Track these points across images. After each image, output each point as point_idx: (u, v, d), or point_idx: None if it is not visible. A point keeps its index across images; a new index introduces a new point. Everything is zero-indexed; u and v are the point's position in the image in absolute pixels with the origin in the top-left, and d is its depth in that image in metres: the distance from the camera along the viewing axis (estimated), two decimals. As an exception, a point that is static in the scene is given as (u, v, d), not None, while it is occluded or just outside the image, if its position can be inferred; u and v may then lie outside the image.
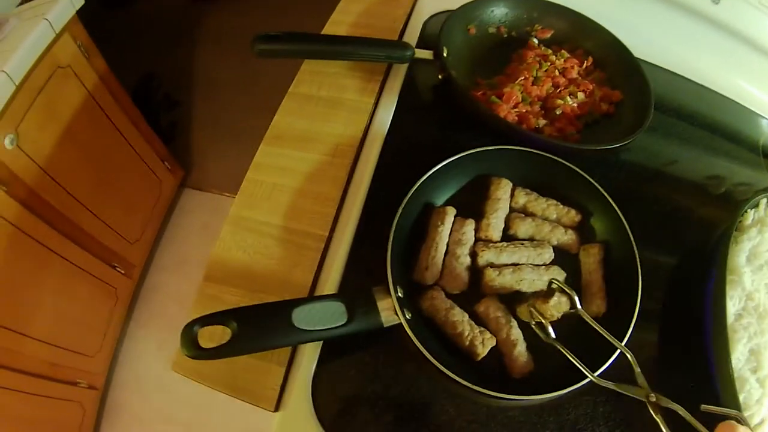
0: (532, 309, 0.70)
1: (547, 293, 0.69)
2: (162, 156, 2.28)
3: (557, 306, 0.68)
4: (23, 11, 1.51)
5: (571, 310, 0.70)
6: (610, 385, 0.64)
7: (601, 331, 0.66)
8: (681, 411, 0.60)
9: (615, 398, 0.70)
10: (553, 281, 0.70)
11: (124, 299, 2.14)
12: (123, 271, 2.06)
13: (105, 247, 1.93)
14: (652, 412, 0.61)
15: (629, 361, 0.64)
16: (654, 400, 0.62)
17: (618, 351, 0.67)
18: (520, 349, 0.71)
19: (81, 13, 1.57)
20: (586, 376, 0.65)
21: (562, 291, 0.68)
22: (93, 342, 1.95)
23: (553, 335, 0.69)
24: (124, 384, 2.18)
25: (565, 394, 0.66)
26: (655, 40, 1.14)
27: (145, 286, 2.38)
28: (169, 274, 2.42)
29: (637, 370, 0.64)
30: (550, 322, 0.69)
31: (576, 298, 0.69)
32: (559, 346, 0.67)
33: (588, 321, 0.68)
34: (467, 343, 0.70)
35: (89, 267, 1.83)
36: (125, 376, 2.20)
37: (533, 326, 0.71)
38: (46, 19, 1.42)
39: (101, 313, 2.00)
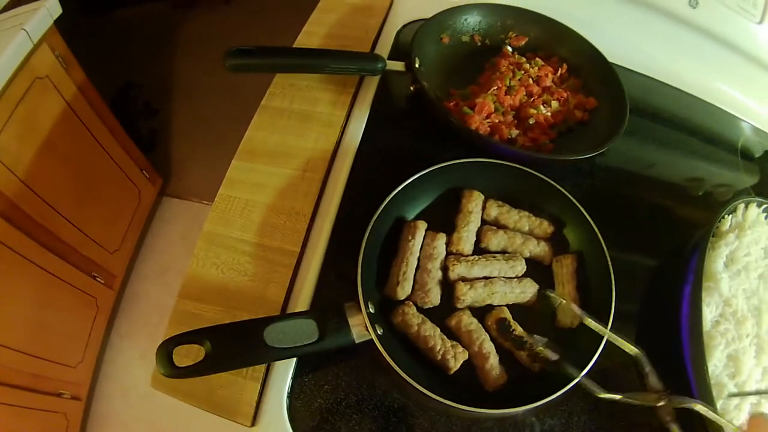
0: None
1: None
2: (141, 165, 2.27)
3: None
4: (0, 21, 1.49)
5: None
6: (616, 397, 0.64)
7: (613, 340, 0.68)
8: (700, 407, 0.59)
9: (589, 408, 0.70)
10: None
11: (105, 309, 2.12)
12: (103, 281, 2.04)
13: (85, 258, 1.91)
14: (663, 420, 0.61)
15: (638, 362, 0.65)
16: (663, 404, 0.62)
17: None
18: (493, 363, 0.71)
19: (60, 21, 1.55)
20: (560, 388, 0.66)
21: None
22: (75, 352, 1.93)
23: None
24: (108, 394, 2.16)
25: (540, 405, 0.66)
26: (633, 44, 1.15)
27: (126, 295, 2.36)
28: (150, 284, 2.40)
29: (648, 368, 0.64)
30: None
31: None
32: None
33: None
34: (439, 357, 0.70)
35: (69, 277, 1.81)
36: (109, 386, 2.18)
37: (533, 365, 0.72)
38: (24, 30, 1.41)
39: (82, 323, 1.98)
